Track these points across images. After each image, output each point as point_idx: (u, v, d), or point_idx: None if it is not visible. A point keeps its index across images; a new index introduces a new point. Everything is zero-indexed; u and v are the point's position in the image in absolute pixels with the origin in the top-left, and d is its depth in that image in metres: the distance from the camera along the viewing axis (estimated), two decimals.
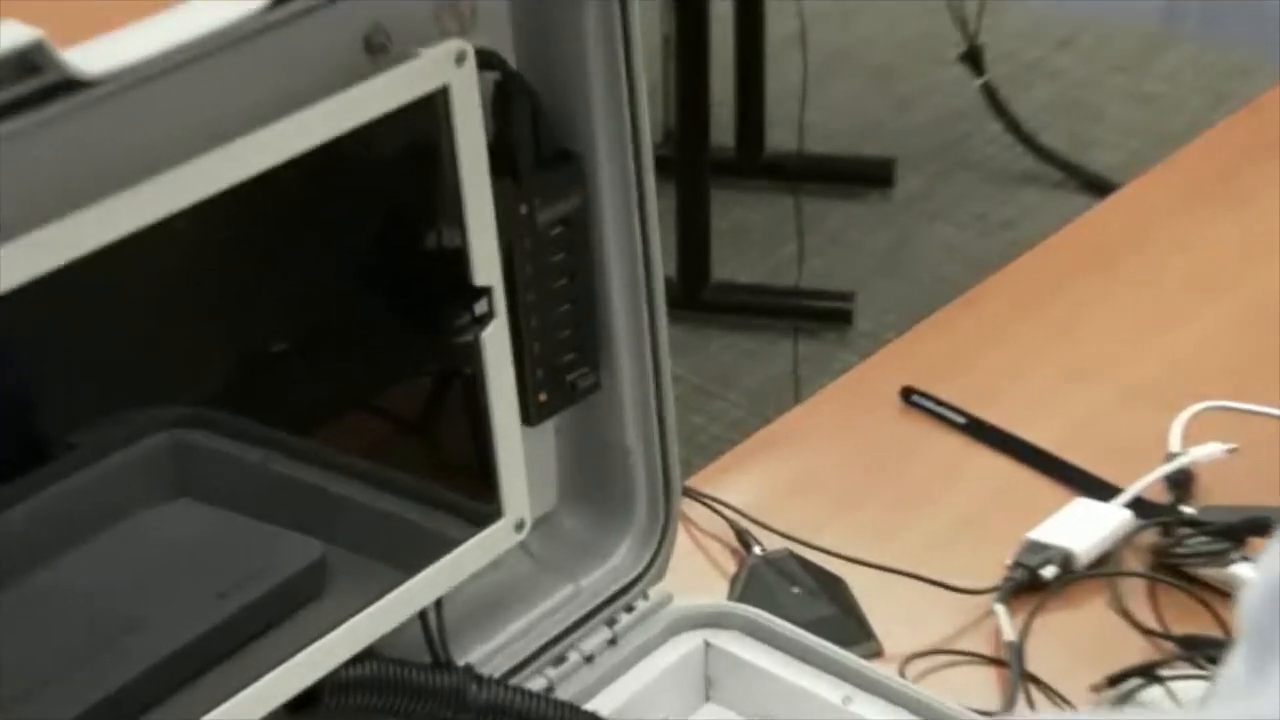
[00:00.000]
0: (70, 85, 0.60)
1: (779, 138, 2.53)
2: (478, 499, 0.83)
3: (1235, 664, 0.50)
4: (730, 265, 2.41)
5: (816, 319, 2.33)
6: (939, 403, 1.20)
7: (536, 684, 0.85)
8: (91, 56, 0.60)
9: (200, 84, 0.65)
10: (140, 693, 0.74)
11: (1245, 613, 0.51)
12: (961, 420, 1.19)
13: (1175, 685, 0.97)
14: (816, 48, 2.36)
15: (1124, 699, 0.98)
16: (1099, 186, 2.49)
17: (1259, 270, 1.35)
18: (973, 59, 2.57)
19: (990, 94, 2.64)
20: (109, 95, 0.62)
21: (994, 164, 2.69)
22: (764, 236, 2.47)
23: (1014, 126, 2.64)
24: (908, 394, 1.21)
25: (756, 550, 1.06)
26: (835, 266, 2.41)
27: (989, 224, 2.57)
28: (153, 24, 0.63)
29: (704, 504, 1.06)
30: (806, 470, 1.17)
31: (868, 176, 2.58)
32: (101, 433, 0.72)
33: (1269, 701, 0.47)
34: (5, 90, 0.59)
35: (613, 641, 0.88)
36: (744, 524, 1.08)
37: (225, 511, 0.79)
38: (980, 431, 1.19)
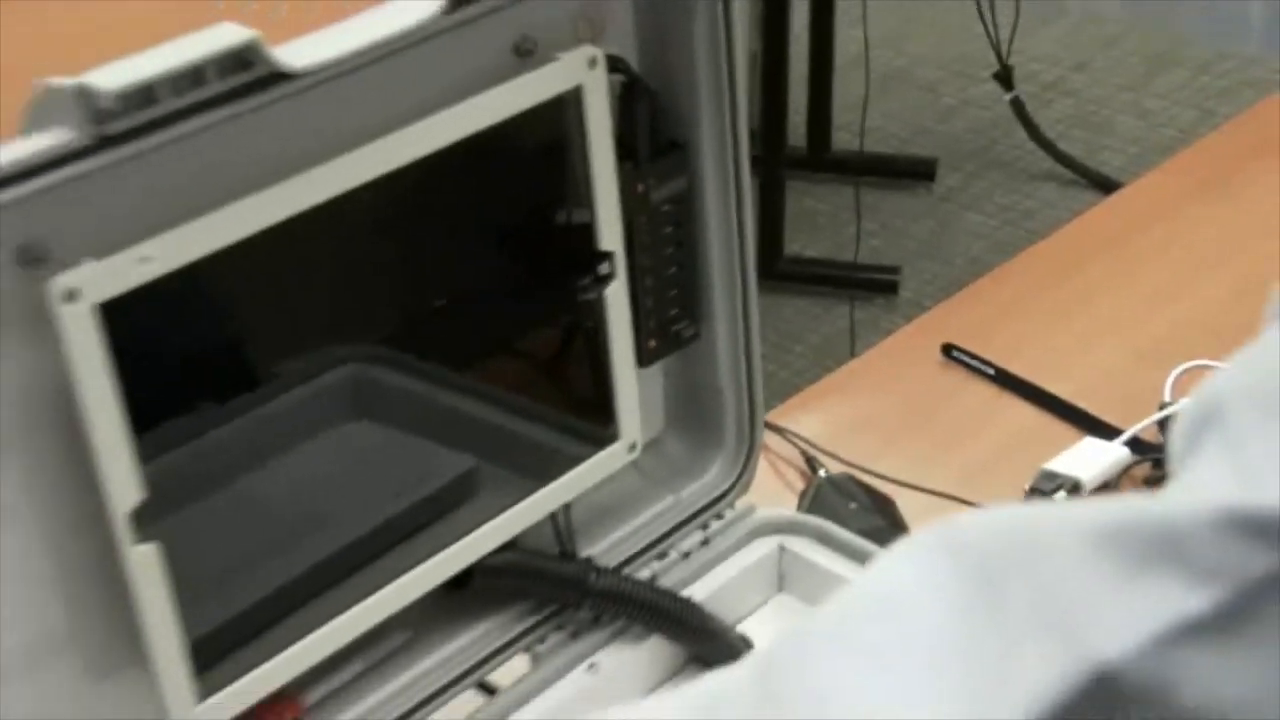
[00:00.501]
0: (279, 78, 0.59)
1: (843, 139, 2.50)
2: (599, 425, 0.83)
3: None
4: (800, 242, 2.37)
5: (869, 289, 2.30)
6: (973, 357, 1.17)
7: (642, 574, 0.85)
8: (296, 54, 0.59)
9: (383, 78, 0.64)
10: (327, 574, 0.74)
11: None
12: (991, 372, 1.15)
13: None
14: (876, 66, 2.32)
15: None
16: (1106, 185, 2.45)
17: (1246, 252, 1.29)
18: (1004, 78, 2.50)
19: (1018, 107, 2.59)
20: (309, 87, 0.61)
21: (1019, 165, 2.63)
22: (828, 220, 2.44)
23: (1036, 134, 2.59)
24: (947, 350, 1.17)
25: (821, 473, 1.03)
26: (886, 246, 2.37)
27: (1013, 214, 2.52)
28: (345, 26, 0.63)
29: (779, 434, 1.03)
30: (861, 411, 1.15)
31: (915, 173, 2.53)
32: (297, 366, 0.72)
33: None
34: (225, 81, 0.58)
35: (705, 542, 0.88)
36: (812, 452, 1.05)
37: (396, 431, 0.78)
38: (1007, 381, 1.15)
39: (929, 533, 0.52)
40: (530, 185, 0.77)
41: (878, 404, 1.16)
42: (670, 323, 0.84)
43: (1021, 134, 2.58)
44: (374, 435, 0.77)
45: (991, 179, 2.58)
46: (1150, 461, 1.02)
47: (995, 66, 2.48)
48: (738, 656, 0.85)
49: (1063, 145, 2.60)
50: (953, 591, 0.49)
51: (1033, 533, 0.50)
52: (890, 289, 2.26)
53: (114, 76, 0.55)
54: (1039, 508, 0.65)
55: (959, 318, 1.22)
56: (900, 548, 0.52)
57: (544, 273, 0.81)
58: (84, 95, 0.54)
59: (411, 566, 0.74)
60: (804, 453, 1.04)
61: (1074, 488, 1.00)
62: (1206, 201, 1.34)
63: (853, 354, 1.86)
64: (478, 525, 0.77)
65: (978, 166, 2.54)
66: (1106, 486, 1.01)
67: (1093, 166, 2.58)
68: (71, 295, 0.55)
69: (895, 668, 0.49)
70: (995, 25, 2.42)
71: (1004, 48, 2.47)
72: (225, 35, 0.59)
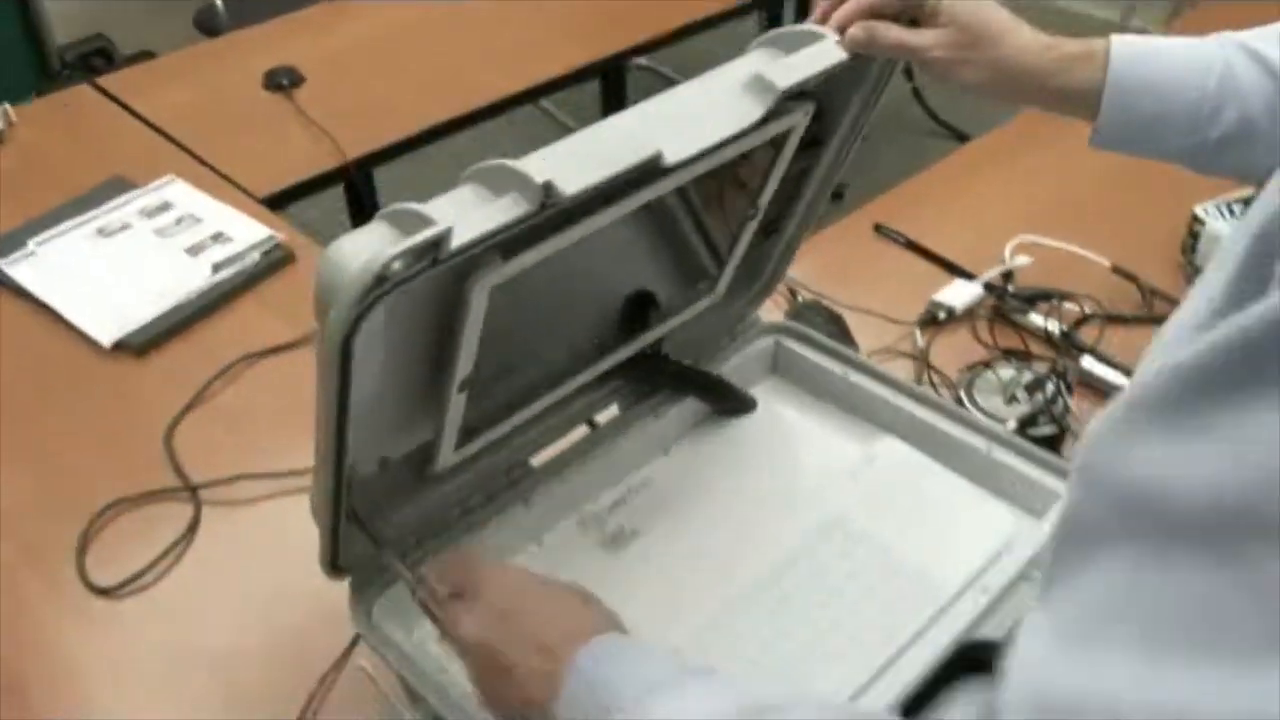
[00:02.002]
0: (660, 171, 0.75)
1: None
2: (709, 283, 1.03)
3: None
4: None
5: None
6: (892, 231, 1.51)
7: (688, 359, 1.06)
8: (673, 152, 0.75)
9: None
10: (550, 377, 0.94)
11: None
12: (903, 241, 1.50)
13: (998, 370, 1.24)
14: None
15: (973, 376, 1.25)
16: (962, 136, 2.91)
17: (1062, 169, 1.61)
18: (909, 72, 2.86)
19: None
20: (671, 169, 0.76)
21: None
22: None
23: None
24: (877, 228, 1.52)
25: (799, 298, 1.36)
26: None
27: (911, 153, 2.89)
28: (686, 132, 0.77)
29: None
30: (823, 262, 1.42)
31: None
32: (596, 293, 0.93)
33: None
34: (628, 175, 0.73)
35: (733, 338, 1.12)
36: (793, 285, 1.37)
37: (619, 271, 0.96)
38: (912, 247, 1.49)
39: None
40: (741, 178, 0.94)
41: (833, 259, 1.45)
42: (763, 230, 1.01)
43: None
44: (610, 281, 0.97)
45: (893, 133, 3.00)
46: (995, 296, 1.38)
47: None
48: (749, 409, 1.10)
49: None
50: None
51: None
52: (839, 195, 2.48)
53: (571, 181, 0.69)
54: None
55: (883, 209, 1.55)
56: None
57: (728, 212, 0.97)
58: (549, 190, 0.69)
59: (600, 360, 0.95)
60: (788, 286, 1.37)
61: (950, 311, 1.35)
62: (1038, 145, 1.64)
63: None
64: (644, 333, 0.98)
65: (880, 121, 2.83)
66: (969, 310, 1.37)
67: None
68: (482, 286, 0.74)
69: None
70: None
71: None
72: (646, 147, 0.74)
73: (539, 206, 0.68)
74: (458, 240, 0.66)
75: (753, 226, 0.98)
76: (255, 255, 1.50)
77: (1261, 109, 0.90)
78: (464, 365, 0.77)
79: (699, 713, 0.63)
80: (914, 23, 0.92)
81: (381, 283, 0.64)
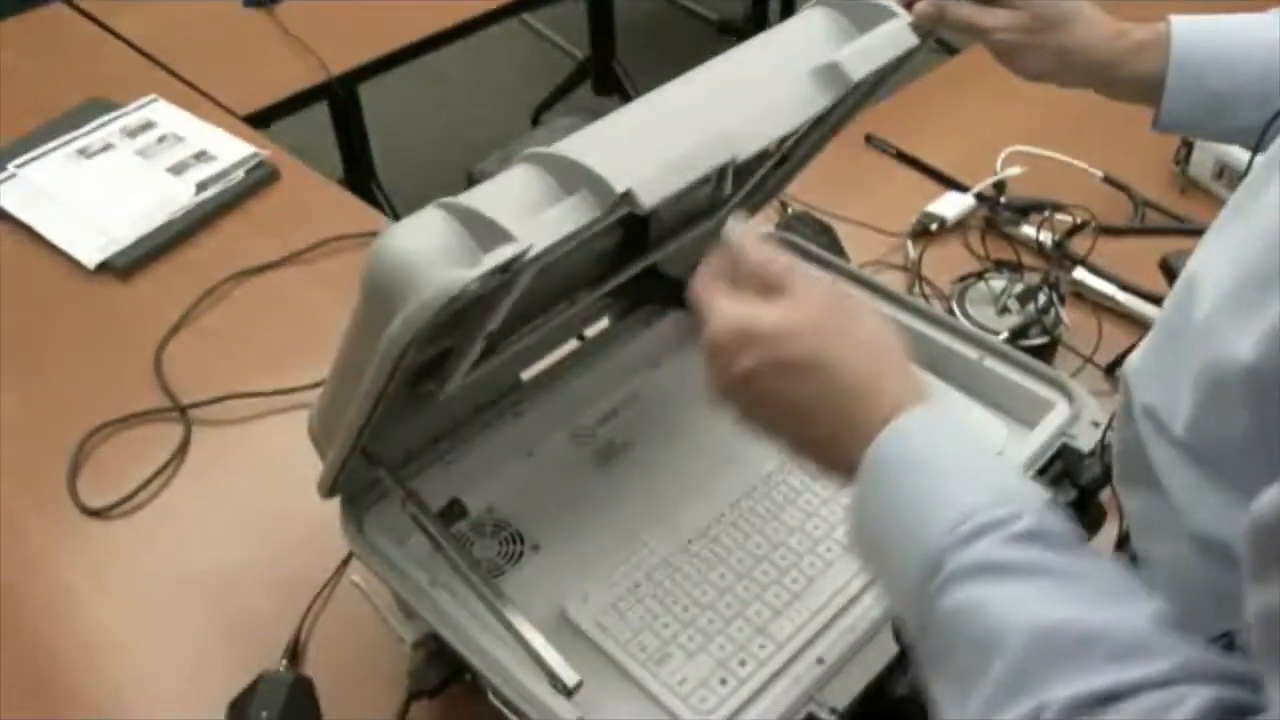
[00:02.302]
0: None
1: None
2: (714, 211, 0.89)
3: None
4: None
5: None
6: (883, 142, 1.51)
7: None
8: (743, 150, 0.73)
9: None
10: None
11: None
12: (894, 152, 1.50)
13: (990, 281, 1.24)
14: None
15: (965, 286, 1.24)
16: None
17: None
18: None
19: None
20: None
21: None
22: None
23: None
24: (868, 138, 1.52)
25: (790, 209, 1.35)
26: None
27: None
28: (753, 125, 0.76)
29: None
30: (813, 175, 1.24)
31: None
32: None
33: None
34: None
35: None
36: (784, 198, 1.33)
37: None
38: (903, 158, 1.49)
39: None
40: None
41: (824, 170, 1.27)
42: (776, 165, 1.01)
43: None
44: None
45: None
46: (988, 206, 1.38)
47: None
48: None
49: None
50: None
51: None
52: None
53: (650, 191, 0.67)
54: None
55: (875, 120, 1.51)
56: None
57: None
58: (627, 197, 0.67)
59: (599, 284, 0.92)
60: (779, 198, 1.29)
61: (942, 222, 1.36)
62: None
63: None
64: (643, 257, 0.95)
65: None
66: (962, 221, 1.37)
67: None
68: (531, 271, 0.70)
69: None
70: None
71: None
72: (720, 150, 0.72)
73: (609, 210, 0.66)
74: (533, 252, 0.64)
75: (768, 164, 0.98)
76: (240, 173, 1.48)
77: None
78: (494, 321, 0.76)
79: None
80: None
81: (454, 301, 0.63)
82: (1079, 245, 1.34)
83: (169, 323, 1.29)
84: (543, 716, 0.74)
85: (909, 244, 1.36)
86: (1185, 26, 0.90)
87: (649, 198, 0.66)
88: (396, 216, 1.72)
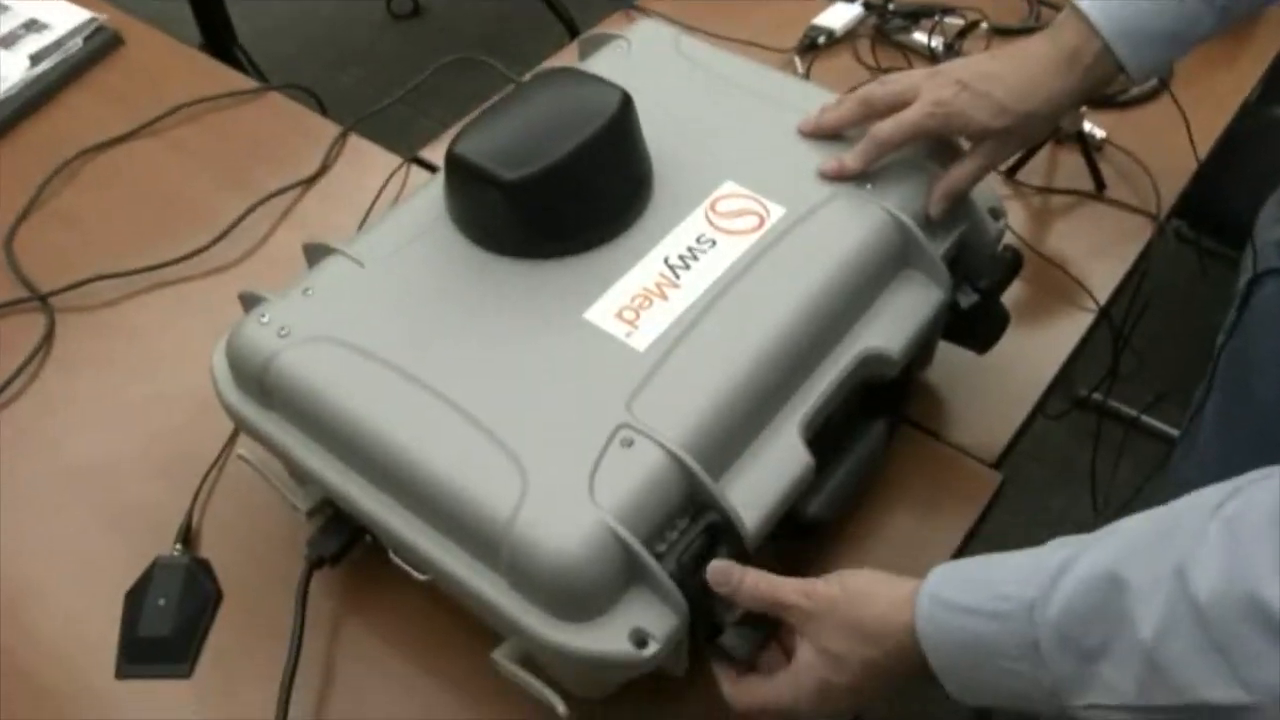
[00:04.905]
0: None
1: None
2: None
3: None
4: None
5: None
6: None
7: None
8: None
9: None
10: None
11: None
12: None
13: None
14: None
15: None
16: None
17: None
18: None
19: None
20: None
21: None
22: None
23: None
24: None
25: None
26: None
27: None
28: None
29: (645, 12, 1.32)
30: None
31: None
32: None
33: None
34: None
35: None
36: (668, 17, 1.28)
37: None
38: None
39: None
40: None
41: None
42: None
43: None
44: None
45: None
46: (876, 16, 1.37)
47: None
48: None
49: None
50: None
51: None
52: None
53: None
54: None
55: None
56: None
57: None
58: None
59: None
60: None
61: (830, 34, 1.35)
62: None
63: None
64: None
65: None
66: (850, 33, 1.36)
67: None
68: None
69: None
70: None
71: None
72: None
73: None
74: None
75: None
76: (78, 41, 1.41)
77: None
78: None
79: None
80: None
81: None
82: (972, 47, 1.33)
83: (17, 207, 1.23)
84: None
85: (796, 60, 1.35)
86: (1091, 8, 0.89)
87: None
88: (263, 79, 1.65)
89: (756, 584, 0.74)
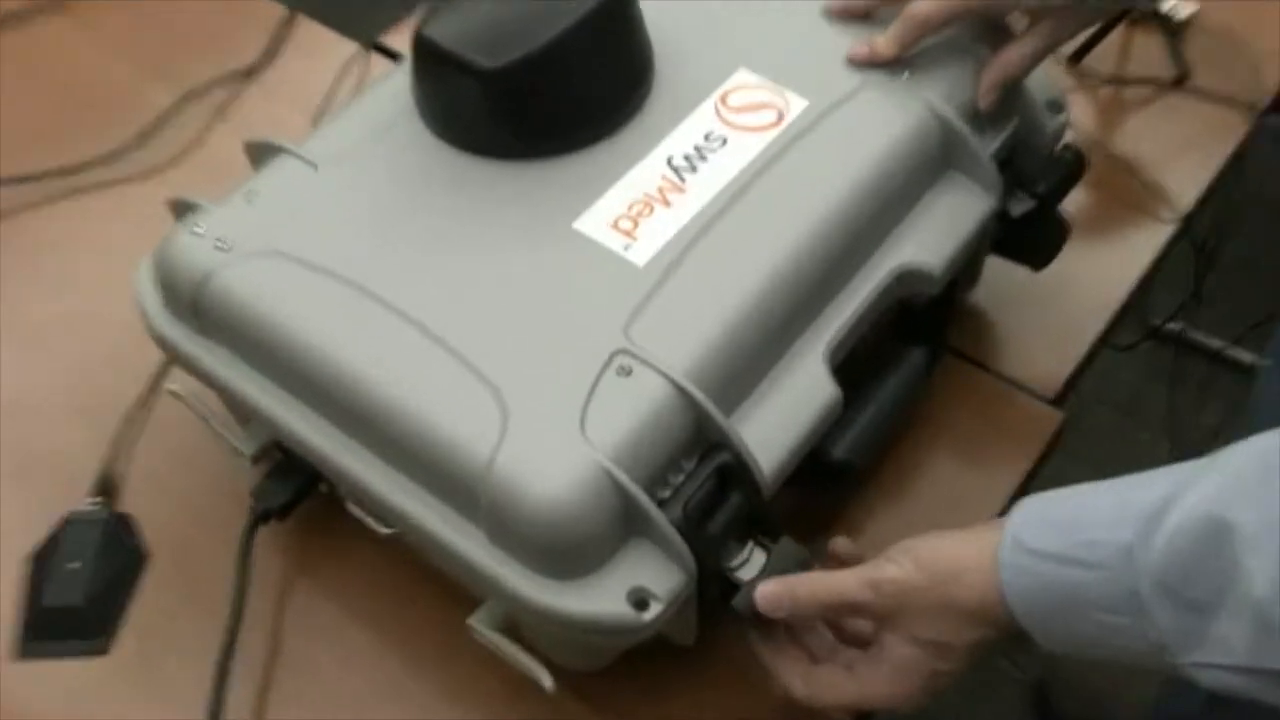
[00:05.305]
0: None
1: None
2: None
3: None
4: None
5: None
6: None
7: None
8: None
9: None
10: None
11: None
12: None
13: None
14: None
15: None
16: None
17: None
18: None
19: None
20: None
21: None
22: None
23: None
24: None
25: None
26: None
27: None
28: None
29: None
30: None
31: None
32: None
33: None
34: None
35: None
36: None
37: None
38: None
39: None
40: None
41: None
42: None
43: None
44: None
45: None
46: None
47: None
48: None
49: None
50: None
51: None
52: None
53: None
54: None
55: None
56: None
57: None
58: None
59: None
60: None
61: None
62: None
63: None
64: None
65: None
66: None
67: None
68: None
69: None
70: None
71: None
72: None
73: None
74: None
75: None
76: None
77: None
78: None
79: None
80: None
81: None
82: None
83: None
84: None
85: None
86: None
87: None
88: None
89: (814, 591, 0.75)
